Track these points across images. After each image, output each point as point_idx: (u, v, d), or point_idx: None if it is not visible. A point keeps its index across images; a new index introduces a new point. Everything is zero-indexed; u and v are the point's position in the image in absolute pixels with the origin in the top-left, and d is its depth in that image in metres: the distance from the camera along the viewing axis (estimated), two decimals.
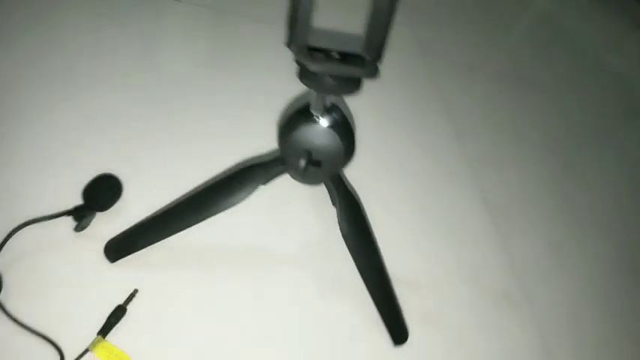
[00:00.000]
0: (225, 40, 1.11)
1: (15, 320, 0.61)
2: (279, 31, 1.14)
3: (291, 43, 0.57)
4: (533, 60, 1.49)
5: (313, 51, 0.58)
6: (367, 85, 0.60)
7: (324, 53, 0.59)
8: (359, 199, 0.72)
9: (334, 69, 0.57)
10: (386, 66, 0.60)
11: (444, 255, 0.87)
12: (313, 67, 0.56)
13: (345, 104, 0.86)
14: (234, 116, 0.94)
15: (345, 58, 0.58)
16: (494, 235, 0.93)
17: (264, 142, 0.85)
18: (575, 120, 1.32)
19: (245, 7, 1.20)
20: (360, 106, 0.82)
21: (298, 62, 0.58)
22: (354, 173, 0.76)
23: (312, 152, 0.64)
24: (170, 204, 0.74)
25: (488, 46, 1.48)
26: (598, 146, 1.29)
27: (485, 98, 1.26)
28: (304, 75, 0.59)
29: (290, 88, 0.93)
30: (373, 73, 0.57)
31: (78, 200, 0.71)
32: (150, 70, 0.98)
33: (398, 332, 0.74)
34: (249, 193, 0.67)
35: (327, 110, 0.63)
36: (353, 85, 0.59)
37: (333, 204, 0.72)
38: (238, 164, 0.83)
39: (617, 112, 1.44)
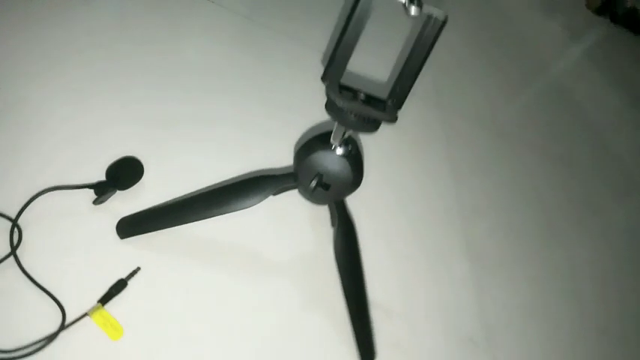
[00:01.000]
0: (255, 49, 1.17)
1: (27, 275, 0.66)
2: (310, 52, 1.22)
3: (326, 78, 0.64)
4: (539, 124, 1.57)
5: (344, 89, 0.65)
6: (382, 125, 0.66)
7: (353, 92, 0.66)
8: (355, 226, 0.78)
9: (359, 109, 0.64)
10: (402, 110, 0.66)
11: (422, 290, 0.93)
12: (341, 103, 0.63)
13: (358, 138, 0.93)
14: (254, 125, 1.01)
15: (370, 100, 0.65)
16: (471, 281, 1.00)
17: (277, 156, 0.91)
18: (569, 189, 1.40)
19: (279, 22, 1.27)
20: (372, 141, 0.89)
21: (328, 96, 0.65)
22: (355, 202, 0.82)
23: (323, 175, 0.71)
24: (184, 196, 0.80)
25: (500, 104, 1.56)
26: (585, 218, 1.36)
27: (488, 153, 1.33)
28: (331, 108, 0.65)
29: (312, 111, 0.99)
30: (393, 119, 0.64)
31: (101, 177, 0.77)
32: (183, 64, 1.04)
33: (367, 351, 0.79)
34: (260, 200, 0.74)
35: (345, 142, 0.70)
36: (372, 125, 0.66)
37: (332, 225, 0.79)
38: (253, 172, 0.89)
39: (609, 187, 1.52)
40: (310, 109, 0.99)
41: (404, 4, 0.56)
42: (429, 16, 0.58)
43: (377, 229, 0.95)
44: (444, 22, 0.58)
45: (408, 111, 0.78)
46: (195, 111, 0.97)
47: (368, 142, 0.91)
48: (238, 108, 1.03)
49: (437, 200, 1.11)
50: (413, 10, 0.55)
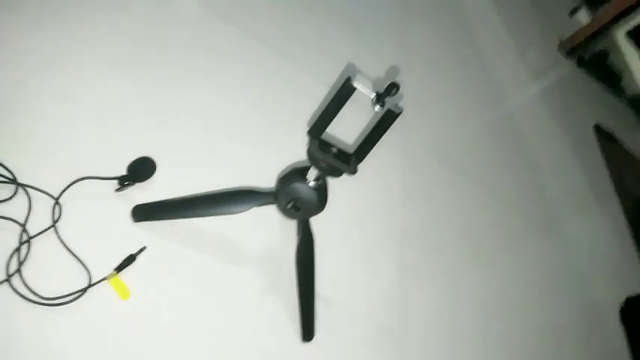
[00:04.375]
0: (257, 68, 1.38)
1: (64, 244, 0.87)
2: (309, 77, 1.42)
3: (310, 132, 0.86)
4: (482, 155, 1.82)
5: (322, 142, 0.88)
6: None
7: (328, 146, 0.88)
8: (315, 238, 1.02)
9: (328, 159, 0.87)
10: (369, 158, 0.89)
11: (359, 289, 1.19)
12: (315, 154, 0.86)
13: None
14: (250, 145, 1.22)
15: (340, 155, 0.88)
16: (398, 286, 1.26)
17: (265, 175, 1.14)
18: (498, 217, 1.67)
19: (281, 44, 1.46)
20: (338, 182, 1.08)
21: (308, 145, 0.87)
22: (319, 223, 1.04)
23: (297, 200, 0.94)
24: (187, 195, 1.02)
25: (454, 133, 1.80)
26: (507, 244, 1.64)
27: (434, 180, 1.58)
28: (310, 155, 0.88)
29: (298, 146, 1.20)
30: (353, 171, 0.87)
31: (122, 171, 0.98)
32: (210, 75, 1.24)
33: (308, 332, 1.04)
34: (247, 209, 0.96)
35: (317, 179, 0.93)
36: (337, 172, 0.89)
37: (297, 235, 1.02)
38: (244, 186, 1.10)
39: (533, 221, 1.80)
40: (298, 145, 1.20)
41: (371, 100, 0.79)
42: (389, 110, 0.80)
43: (331, 241, 1.18)
44: (399, 114, 0.81)
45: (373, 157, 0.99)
46: (205, 125, 1.18)
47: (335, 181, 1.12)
48: (241, 129, 1.23)
49: (384, 220, 1.36)
50: (376, 107, 0.78)
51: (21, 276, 0.82)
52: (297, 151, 1.14)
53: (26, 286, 0.81)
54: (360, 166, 0.89)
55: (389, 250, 1.31)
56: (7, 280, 0.80)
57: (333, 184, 0.97)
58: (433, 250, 1.41)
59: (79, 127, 1.00)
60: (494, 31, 2.40)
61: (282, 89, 1.38)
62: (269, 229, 1.12)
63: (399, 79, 0.78)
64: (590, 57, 2.83)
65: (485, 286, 1.47)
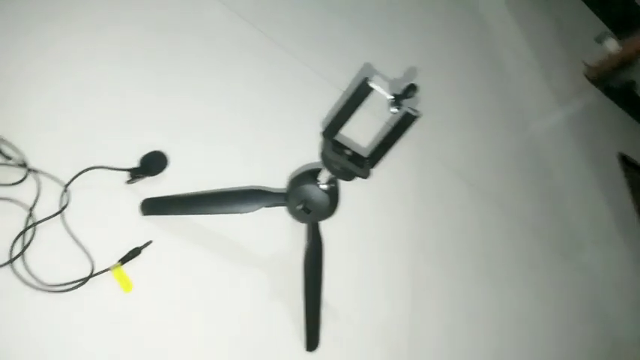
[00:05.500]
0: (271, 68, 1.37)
1: (69, 231, 0.87)
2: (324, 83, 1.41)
3: (324, 132, 0.84)
4: (504, 179, 1.79)
5: (337, 144, 0.86)
6: None
7: (342, 148, 0.86)
8: (324, 243, 0.99)
9: (341, 162, 0.84)
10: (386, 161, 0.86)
11: (367, 300, 1.15)
12: (329, 155, 0.84)
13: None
14: (262, 146, 1.21)
15: (354, 157, 0.86)
16: (409, 301, 1.22)
17: (275, 176, 1.13)
18: (516, 242, 1.62)
19: (296, 46, 1.46)
20: (352, 184, 1.06)
21: (322, 146, 0.85)
22: (328, 227, 1.02)
23: (307, 202, 0.92)
24: (196, 192, 1.00)
25: (477, 154, 1.77)
26: (523, 270, 1.58)
27: (453, 198, 1.55)
28: (322, 156, 0.86)
29: (311, 148, 1.18)
30: (366, 175, 0.85)
31: (133, 163, 0.97)
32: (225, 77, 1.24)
33: (312, 341, 1.01)
34: (256, 209, 0.94)
35: (329, 181, 0.91)
36: (350, 175, 0.86)
37: (306, 239, 1.00)
38: (254, 185, 1.09)
39: (552, 248, 1.74)
40: (311, 146, 1.19)
41: (388, 101, 0.77)
42: (407, 113, 0.78)
43: (341, 249, 1.16)
44: (417, 118, 0.79)
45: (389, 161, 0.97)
46: (219, 123, 1.17)
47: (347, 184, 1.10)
48: (255, 129, 1.23)
49: (397, 231, 1.32)
50: (393, 109, 0.76)
51: (24, 260, 0.81)
52: (310, 153, 1.12)
53: (28, 270, 0.80)
54: (374, 173, 0.86)
55: (401, 262, 1.27)
56: (10, 262, 0.79)
57: (345, 188, 0.94)
58: (448, 266, 1.37)
59: (93, 117, 1.00)
60: (519, 52, 2.38)
61: (298, 90, 1.37)
62: (277, 231, 1.10)
63: (417, 84, 0.76)
64: (618, 86, 2.78)
65: (500, 309, 1.42)
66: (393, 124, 0.83)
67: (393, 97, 0.77)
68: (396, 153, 0.84)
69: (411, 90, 0.76)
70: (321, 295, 1.01)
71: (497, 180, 1.75)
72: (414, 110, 0.79)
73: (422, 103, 0.79)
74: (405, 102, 0.77)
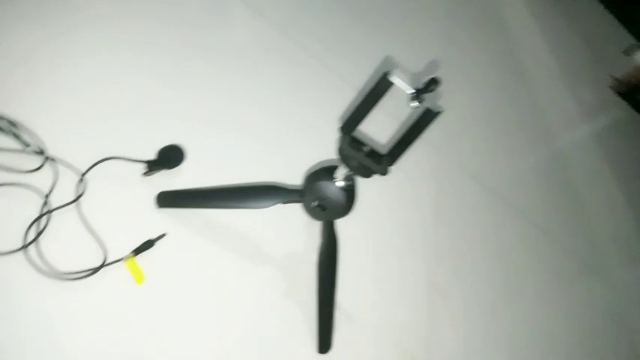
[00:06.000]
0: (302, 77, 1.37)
1: (83, 220, 0.86)
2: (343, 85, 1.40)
3: (342, 128, 0.83)
4: (529, 191, 1.74)
5: (355, 140, 0.84)
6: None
7: (361, 144, 0.84)
8: (339, 243, 0.97)
9: (359, 158, 0.83)
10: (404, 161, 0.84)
11: (382, 305, 1.12)
12: (346, 151, 0.82)
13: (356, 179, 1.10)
14: (279, 143, 1.20)
15: (372, 154, 0.84)
16: (425, 308, 1.18)
17: (291, 172, 1.12)
18: (539, 256, 1.57)
19: (321, 52, 1.46)
20: (369, 184, 1.05)
21: (339, 142, 0.84)
22: (344, 226, 1.00)
23: (323, 199, 0.90)
24: (212, 187, 1.00)
25: (499, 163, 1.73)
26: (545, 284, 1.52)
27: (473, 205, 1.51)
28: (340, 152, 0.84)
29: (328, 144, 1.18)
30: (384, 172, 0.83)
31: (150, 156, 0.97)
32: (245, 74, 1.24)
33: (324, 343, 0.98)
34: (271, 205, 0.93)
35: (346, 178, 0.89)
36: (368, 172, 0.84)
37: (321, 237, 0.98)
38: (269, 181, 1.08)
39: (578, 263, 1.68)
40: (327, 144, 1.18)
41: (408, 96, 0.75)
42: (428, 108, 0.76)
43: (357, 249, 1.13)
44: (439, 113, 0.77)
45: (407, 161, 0.95)
46: (236, 119, 1.17)
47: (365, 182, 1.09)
48: (272, 126, 1.22)
49: (414, 234, 1.29)
50: (414, 104, 0.74)
51: (37, 247, 0.81)
52: (327, 150, 1.10)
53: (41, 257, 0.80)
54: (392, 174, 0.84)
55: (419, 268, 1.24)
56: (23, 248, 0.79)
57: (362, 188, 0.92)
58: (465, 275, 1.33)
59: (113, 108, 1.00)
60: (545, 63, 2.34)
61: (316, 89, 1.36)
62: (292, 229, 1.08)
63: (440, 78, 0.74)
64: None
65: (518, 324, 1.37)
66: (412, 120, 0.81)
67: (414, 91, 0.75)
68: (414, 155, 0.82)
69: (432, 84, 0.74)
70: (335, 295, 0.98)
71: (519, 190, 1.70)
72: (436, 105, 0.77)
73: (444, 106, 0.76)
74: (426, 96, 0.76)
